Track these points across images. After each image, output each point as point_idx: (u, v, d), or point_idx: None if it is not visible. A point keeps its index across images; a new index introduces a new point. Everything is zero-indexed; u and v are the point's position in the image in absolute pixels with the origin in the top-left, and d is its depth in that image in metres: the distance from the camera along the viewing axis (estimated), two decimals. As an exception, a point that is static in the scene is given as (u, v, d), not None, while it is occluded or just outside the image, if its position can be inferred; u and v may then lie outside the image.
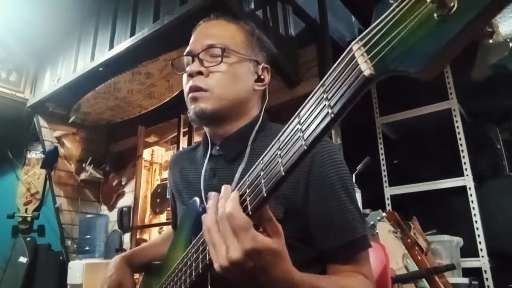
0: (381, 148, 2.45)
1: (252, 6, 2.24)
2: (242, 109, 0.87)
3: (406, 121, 2.42)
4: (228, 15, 0.93)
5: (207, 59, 0.84)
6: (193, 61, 0.85)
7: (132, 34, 2.43)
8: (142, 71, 2.58)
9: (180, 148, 3.08)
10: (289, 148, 0.48)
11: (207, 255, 0.62)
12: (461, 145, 2.16)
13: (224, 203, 0.54)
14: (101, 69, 2.62)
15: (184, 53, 0.89)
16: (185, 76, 0.87)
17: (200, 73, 0.83)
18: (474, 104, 2.43)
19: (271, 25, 2.36)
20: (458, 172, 2.14)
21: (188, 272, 0.68)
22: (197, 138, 2.99)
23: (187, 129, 3.12)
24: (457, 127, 2.20)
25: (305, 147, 0.45)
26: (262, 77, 0.90)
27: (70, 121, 3.21)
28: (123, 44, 2.44)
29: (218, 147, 0.88)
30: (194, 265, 0.66)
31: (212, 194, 0.58)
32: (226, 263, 0.52)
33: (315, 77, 2.43)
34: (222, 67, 0.83)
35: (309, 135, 0.45)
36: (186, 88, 0.86)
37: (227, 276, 0.54)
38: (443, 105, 2.26)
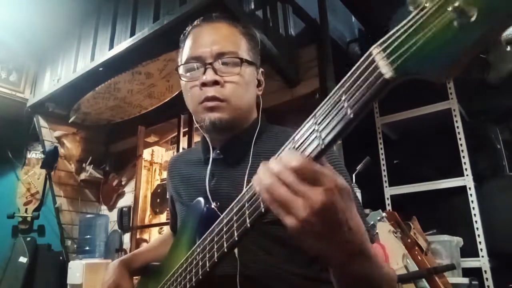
0: (381, 148, 2.45)
1: (252, 6, 2.24)
2: (248, 115, 0.89)
3: (406, 121, 2.42)
4: (228, 16, 0.93)
5: (220, 68, 0.83)
6: (205, 69, 0.83)
7: (132, 34, 2.43)
8: (142, 71, 2.58)
9: (180, 149, 3.09)
10: (305, 148, 0.49)
11: (215, 253, 0.62)
12: (461, 145, 2.16)
13: (279, 163, 0.48)
14: (101, 69, 2.62)
15: (191, 57, 0.86)
16: (194, 82, 0.85)
17: (216, 83, 0.82)
18: (474, 104, 2.43)
19: (271, 25, 2.36)
20: (458, 172, 2.13)
21: (194, 270, 0.69)
22: (197, 138, 2.99)
23: (187, 129, 3.12)
24: (457, 127, 2.19)
25: (322, 147, 0.46)
26: (261, 81, 0.92)
27: (70, 121, 3.21)
28: (123, 44, 2.44)
29: (218, 151, 0.89)
30: (201, 263, 0.66)
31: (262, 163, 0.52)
32: (309, 212, 0.45)
33: (315, 77, 2.43)
34: (236, 77, 0.83)
35: (327, 135, 0.46)
36: (198, 97, 0.84)
37: (304, 234, 0.47)
38: (443, 105, 2.26)
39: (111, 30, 2.66)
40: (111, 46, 2.59)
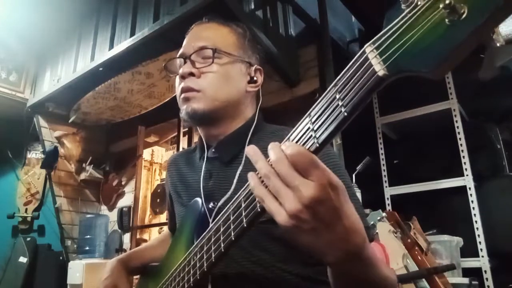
0: (381, 148, 2.45)
1: (252, 6, 2.24)
2: (235, 110, 0.88)
3: (406, 121, 2.42)
4: (221, 18, 0.94)
5: (199, 61, 0.86)
6: (185, 62, 0.87)
7: (132, 34, 2.43)
8: (142, 71, 2.58)
9: (180, 148, 3.08)
10: None
11: (213, 253, 0.62)
12: (461, 145, 2.16)
13: (279, 150, 0.47)
14: (101, 69, 2.62)
15: (177, 56, 0.90)
16: (177, 78, 0.88)
17: (191, 74, 0.84)
18: (474, 104, 2.43)
19: (271, 25, 2.36)
20: (458, 172, 2.14)
21: (192, 271, 0.69)
22: (197, 139, 2.99)
23: (187, 129, 3.12)
24: (457, 127, 2.20)
25: (317, 145, 0.46)
26: (255, 78, 0.91)
27: (70, 121, 3.21)
28: (123, 44, 2.44)
29: (213, 150, 0.89)
30: (198, 264, 0.66)
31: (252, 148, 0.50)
32: (298, 206, 0.43)
33: (315, 77, 2.42)
34: (213, 68, 0.84)
35: (321, 133, 0.46)
36: (178, 90, 0.87)
37: (296, 230, 0.45)
38: (443, 105, 2.26)
39: (111, 30, 2.66)
40: (111, 46, 2.59)
